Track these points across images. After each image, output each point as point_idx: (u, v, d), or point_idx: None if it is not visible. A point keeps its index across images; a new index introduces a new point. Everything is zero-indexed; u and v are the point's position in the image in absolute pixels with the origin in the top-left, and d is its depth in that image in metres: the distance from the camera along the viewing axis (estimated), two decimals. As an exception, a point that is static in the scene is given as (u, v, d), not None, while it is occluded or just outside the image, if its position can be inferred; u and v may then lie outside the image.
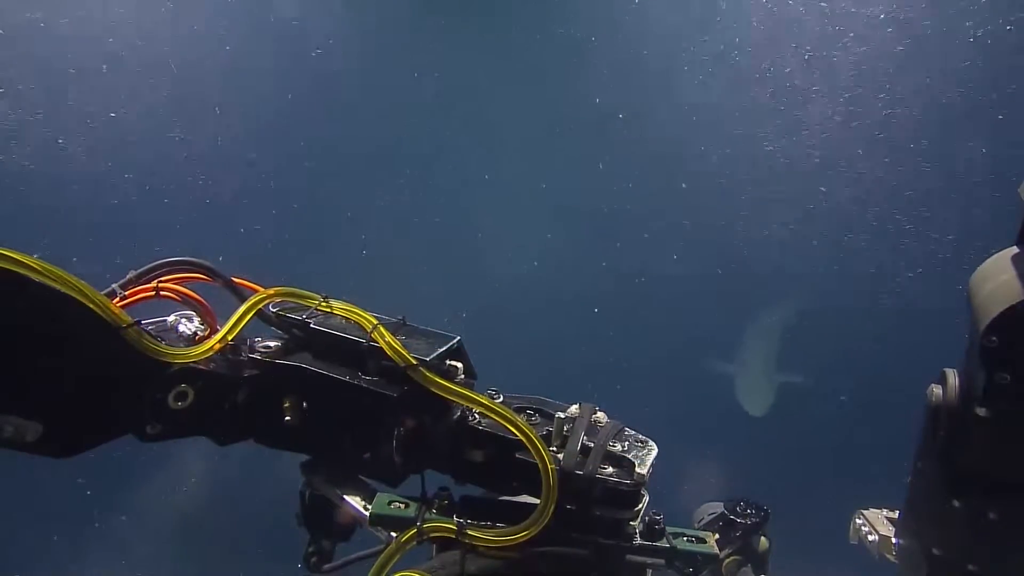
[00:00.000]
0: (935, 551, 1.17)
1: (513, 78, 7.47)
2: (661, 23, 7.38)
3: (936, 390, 1.10)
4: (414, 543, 1.30)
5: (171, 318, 1.36)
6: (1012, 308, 0.93)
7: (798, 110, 7.19)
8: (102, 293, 1.16)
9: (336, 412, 1.36)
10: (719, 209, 7.52)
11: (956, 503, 1.08)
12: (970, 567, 1.12)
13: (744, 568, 1.96)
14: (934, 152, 6.77)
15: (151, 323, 1.31)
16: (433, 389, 1.29)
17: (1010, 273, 0.98)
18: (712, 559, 1.35)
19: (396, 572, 1.26)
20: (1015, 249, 1.03)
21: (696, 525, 2.08)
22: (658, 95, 7.49)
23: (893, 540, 1.46)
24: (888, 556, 1.49)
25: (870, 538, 1.54)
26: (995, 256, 1.06)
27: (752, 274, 7.45)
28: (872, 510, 1.61)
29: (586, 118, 7.58)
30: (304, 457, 1.49)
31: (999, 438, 1.03)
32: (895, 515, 1.56)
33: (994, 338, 0.95)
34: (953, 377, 1.09)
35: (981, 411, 0.99)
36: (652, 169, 7.56)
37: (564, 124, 7.63)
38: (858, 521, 1.60)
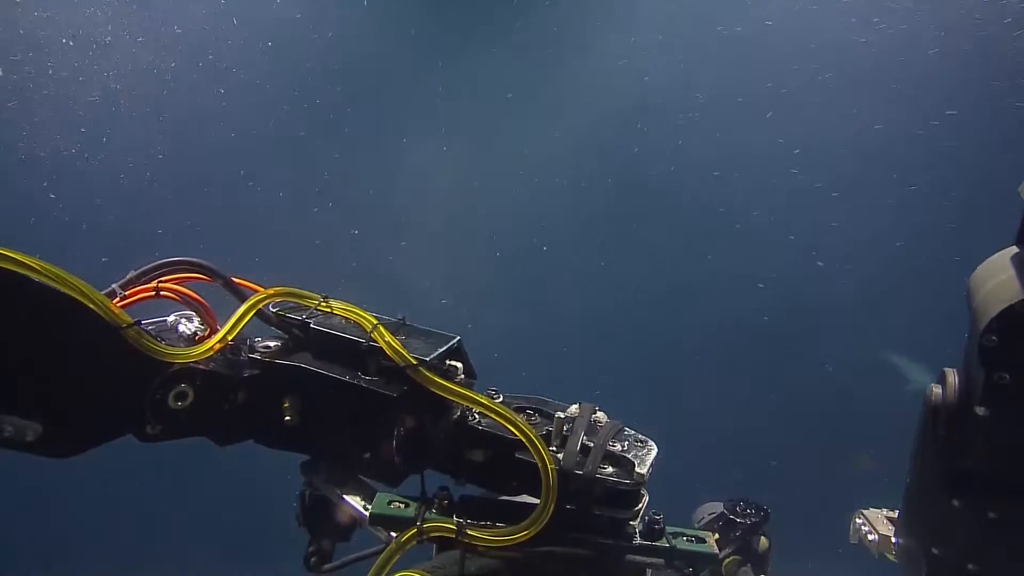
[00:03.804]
0: (934, 550, 1.17)
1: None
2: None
3: (936, 389, 1.10)
4: (414, 543, 1.30)
5: (171, 318, 1.36)
6: (1011, 308, 0.93)
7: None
8: (102, 293, 1.16)
9: (336, 412, 1.36)
10: (722, 208, 7.53)
11: (955, 502, 1.08)
12: (970, 566, 1.12)
13: (744, 568, 1.97)
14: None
15: (151, 323, 1.32)
16: (433, 389, 1.29)
17: (1009, 272, 0.98)
18: (712, 559, 1.35)
19: (396, 572, 1.26)
20: (1014, 249, 1.03)
21: (696, 525, 2.09)
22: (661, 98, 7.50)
23: (893, 539, 1.46)
24: (888, 555, 1.50)
25: (870, 537, 1.54)
26: (995, 256, 1.06)
27: (750, 273, 7.46)
28: (872, 510, 1.61)
29: (587, 120, 7.60)
30: (304, 457, 1.49)
31: (998, 438, 1.03)
32: (895, 515, 1.57)
33: (993, 337, 0.95)
34: (953, 377, 1.09)
35: (980, 411, 0.99)
36: (657, 168, 7.57)
37: (566, 124, 7.64)
38: (858, 521, 1.60)
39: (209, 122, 7.04)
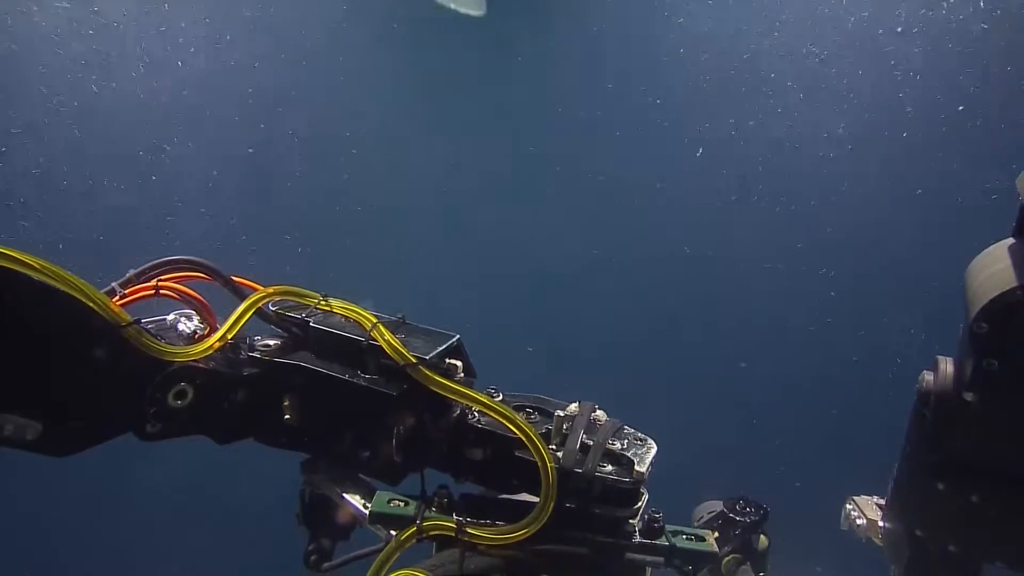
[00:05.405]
0: (918, 532, 1.20)
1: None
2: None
3: (927, 376, 1.12)
4: (413, 541, 1.30)
5: (171, 317, 1.36)
6: (1002, 295, 0.95)
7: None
8: (102, 292, 1.16)
9: (336, 410, 1.37)
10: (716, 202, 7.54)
11: (940, 486, 1.11)
12: (952, 548, 1.15)
13: (743, 566, 1.97)
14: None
15: (151, 322, 1.31)
16: (432, 387, 1.29)
17: (1004, 263, 1.00)
18: (711, 557, 1.35)
19: (395, 570, 1.26)
20: (1011, 240, 1.04)
21: (695, 523, 2.09)
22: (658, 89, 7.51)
23: (880, 524, 1.48)
24: (875, 539, 1.51)
25: (859, 522, 1.56)
26: (991, 247, 1.08)
27: (747, 268, 7.47)
28: (863, 497, 1.62)
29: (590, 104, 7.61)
30: (304, 456, 1.50)
31: (985, 423, 1.05)
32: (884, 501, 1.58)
33: (984, 325, 0.97)
34: (945, 364, 1.11)
35: (969, 396, 1.02)
36: (654, 160, 7.58)
37: (563, 112, 7.66)
38: (848, 507, 1.62)
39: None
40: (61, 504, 6.50)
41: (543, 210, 7.79)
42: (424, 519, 1.30)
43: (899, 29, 6.56)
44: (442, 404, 1.35)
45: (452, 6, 6.60)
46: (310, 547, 1.53)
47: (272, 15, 7.25)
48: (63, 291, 1.08)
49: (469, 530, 1.28)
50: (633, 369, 7.37)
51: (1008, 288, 0.95)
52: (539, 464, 1.24)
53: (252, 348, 1.39)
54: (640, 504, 1.32)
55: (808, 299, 7.35)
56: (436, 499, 1.35)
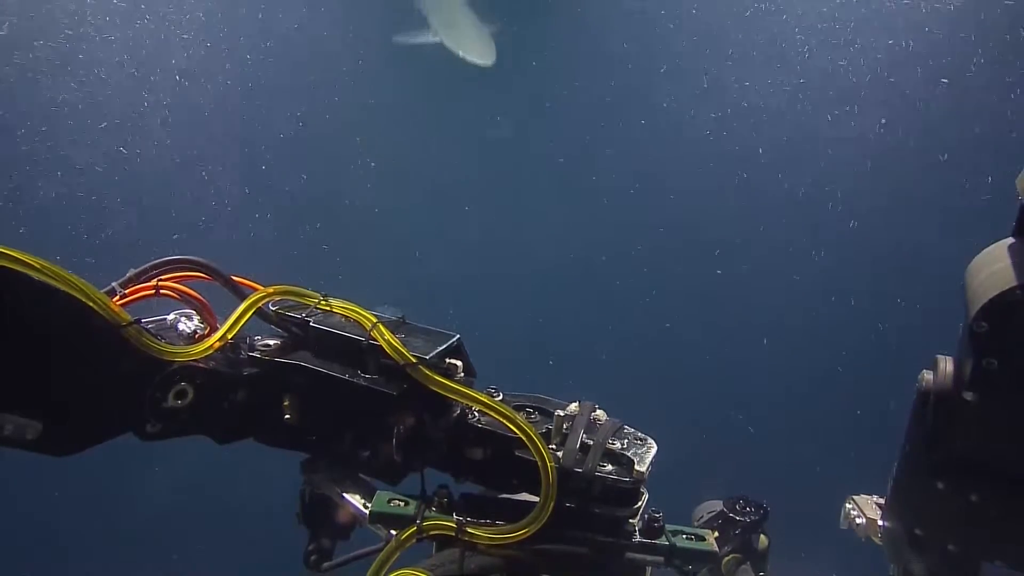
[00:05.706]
0: (917, 531, 1.20)
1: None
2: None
3: (927, 375, 1.12)
4: (413, 541, 1.30)
5: (171, 316, 1.36)
6: (1002, 295, 0.95)
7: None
8: (102, 291, 1.16)
9: (336, 410, 1.37)
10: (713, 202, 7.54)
11: (940, 485, 1.11)
12: (951, 547, 1.15)
13: (743, 566, 1.97)
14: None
15: (151, 321, 1.31)
16: (433, 387, 1.29)
17: (1004, 262, 1.00)
18: (711, 557, 1.35)
19: (395, 570, 1.26)
20: (1011, 240, 1.04)
21: (695, 523, 2.09)
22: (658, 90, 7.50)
23: (879, 523, 1.48)
24: (874, 538, 1.51)
25: (858, 521, 1.56)
26: (992, 246, 1.08)
27: (745, 267, 7.46)
28: (863, 496, 1.63)
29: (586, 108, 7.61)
30: (304, 456, 1.49)
31: (984, 423, 1.06)
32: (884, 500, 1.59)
33: (983, 323, 0.97)
34: (945, 363, 1.11)
35: (968, 395, 1.02)
36: (652, 161, 7.58)
37: (561, 115, 7.66)
38: (848, 506, 1.62)
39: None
40: (61, 504, 6.50)
41: (544, 210, 7.79)
42: (424, 519, 1.30)
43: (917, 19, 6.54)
44: (442, 404, 1.35)
45: (461, 54, 6.87)
46: (310, 547, 1.53)
47: (274, 17, 7.26)
48: (63, 291, 1.08)
49: (469, 530, 1.28)
50: (633, 369, 7.36)
51: (1008, 287, 0.95)
52: (539, 464, 1.24)
53: (252, 348, 1.39)
54: (640, 504, 1.32)
55: (808, 299, 7.34)
56: (436, 499, 1.35)
